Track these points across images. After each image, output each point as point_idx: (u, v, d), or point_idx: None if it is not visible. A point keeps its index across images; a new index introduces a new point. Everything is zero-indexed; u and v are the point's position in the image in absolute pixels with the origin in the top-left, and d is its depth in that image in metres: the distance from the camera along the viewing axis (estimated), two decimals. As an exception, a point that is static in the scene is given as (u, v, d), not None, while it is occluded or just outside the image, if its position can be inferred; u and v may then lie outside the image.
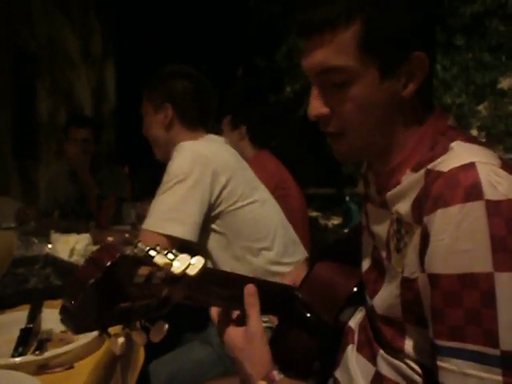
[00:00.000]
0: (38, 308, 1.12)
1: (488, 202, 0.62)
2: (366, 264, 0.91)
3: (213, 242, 1.49)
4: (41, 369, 0.90)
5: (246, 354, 0.80)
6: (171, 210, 1.37)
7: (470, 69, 6.23)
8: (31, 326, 1.04)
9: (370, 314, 0.87)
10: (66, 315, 0.57)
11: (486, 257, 0.61)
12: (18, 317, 1.09)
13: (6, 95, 5.79)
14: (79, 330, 0.60)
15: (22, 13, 6.15)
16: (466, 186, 0.63)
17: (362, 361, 0.86)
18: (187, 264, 0.65)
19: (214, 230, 1.47)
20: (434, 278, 0.65)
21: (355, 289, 0.97)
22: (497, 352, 0.60)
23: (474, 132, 7.47)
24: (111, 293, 0.58)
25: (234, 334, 0.82)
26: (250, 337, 0.80)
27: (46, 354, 0.91)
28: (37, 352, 0.92)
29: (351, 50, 0.71)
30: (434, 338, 0.65)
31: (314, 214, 8.77)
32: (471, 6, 6.10)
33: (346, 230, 6.59)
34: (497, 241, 0.61)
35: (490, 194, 0.62)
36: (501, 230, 0.61)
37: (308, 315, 0.96)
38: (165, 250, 0.65)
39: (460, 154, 0.69)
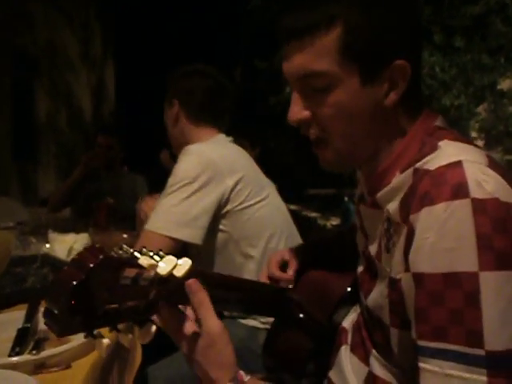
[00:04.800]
0: (35, 307, 1.12)
1: (474, 200, 0.61)
2: (361, 264, 0.91)
3: (217, 242, 1.48)
4: (38, 368, 0.90)
5: (208, 358, 0.70)
6: (176, 213, 1.37)
7: (469, 70, 6.20)
8: (28, 325, 1.04)
9: (365, 313, 0.87)
10: (50, 318, 0.57)
11: (471, 256, 0.60)
12: (16, 316, 1.09)
13: (5, 97, 5.80)
14: (63, 332, 0.58)
15: (21, 15, 6.16)
16: (452, 185, 0.63)
17: (356, 361, 0.86)
18: (173, 265, 0.65)
19: (220, 230, 1.47)
20: (418, 277, 0.64)
21: (349, 289, 0.98)
22: (481, 352, 0.59)
23: (474, 133, 7.45)
24: (96, 295, 0.57)
25: (191, 341, 0.71)
26: (209, 340, 0.69)
27: (43, 354, 0.92)
28: (34, 352, 0.92)
29: (332, 55, 0.71)
30: (417, 338, 0.64)
31: (313, 214, 8.77)
32: (472, 7, 6.06)
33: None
34: (482, 240, 0.60)
35: (476, 192, 0.62)
36: (486, 228, 0.60)
37: (301, 316, 0.96)
38: (151, 251, 0.64)
39: (447, 152, 0.68)
